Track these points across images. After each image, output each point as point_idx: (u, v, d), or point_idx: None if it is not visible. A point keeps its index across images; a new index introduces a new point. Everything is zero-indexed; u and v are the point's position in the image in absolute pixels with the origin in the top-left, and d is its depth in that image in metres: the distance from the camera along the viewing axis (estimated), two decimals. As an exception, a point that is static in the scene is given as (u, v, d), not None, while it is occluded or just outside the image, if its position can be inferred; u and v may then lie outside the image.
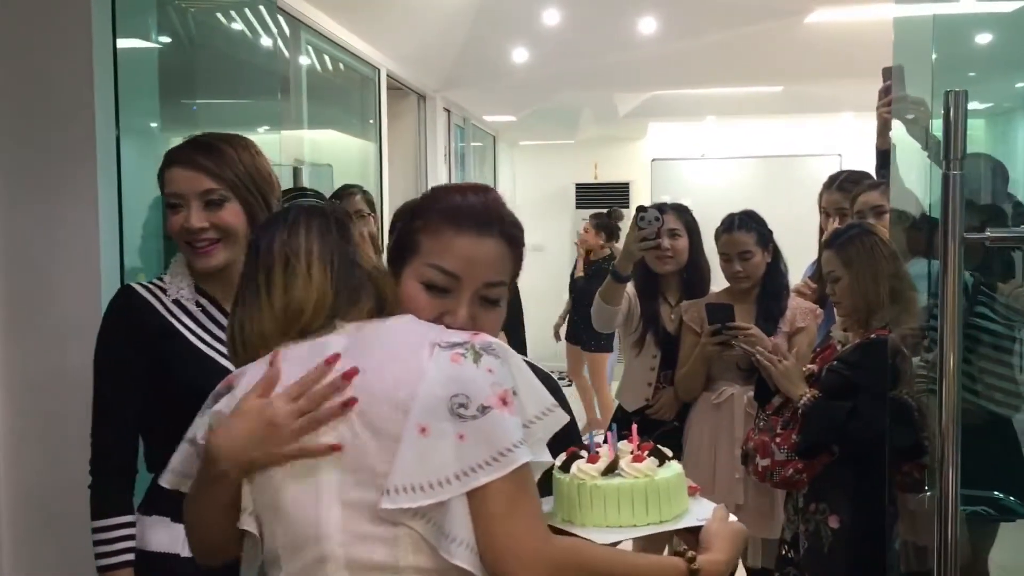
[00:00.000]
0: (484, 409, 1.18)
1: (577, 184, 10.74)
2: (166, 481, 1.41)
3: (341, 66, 5.43)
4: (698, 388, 3.27)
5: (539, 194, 10.84)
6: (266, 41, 4.21)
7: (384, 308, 1.37)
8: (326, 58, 5.25)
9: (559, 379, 2.34)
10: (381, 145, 5.60)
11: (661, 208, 3.26)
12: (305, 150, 4.45)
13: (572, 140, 10.73)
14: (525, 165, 11.28)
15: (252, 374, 1.33)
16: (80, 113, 2.38)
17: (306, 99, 4.57)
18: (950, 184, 1.45)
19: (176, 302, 1.90)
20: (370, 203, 3.63)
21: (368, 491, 1.20)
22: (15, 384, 2.39)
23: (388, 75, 5.75)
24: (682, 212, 3.44)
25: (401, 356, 1.24)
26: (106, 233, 2.42)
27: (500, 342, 1.27)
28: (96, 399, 1.87)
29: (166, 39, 3.34)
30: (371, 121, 5.61)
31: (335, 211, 1.46)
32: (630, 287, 3.44)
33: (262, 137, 4.18)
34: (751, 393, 3.08)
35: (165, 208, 1.92)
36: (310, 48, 4.87)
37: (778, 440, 2.72)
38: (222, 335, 1.91)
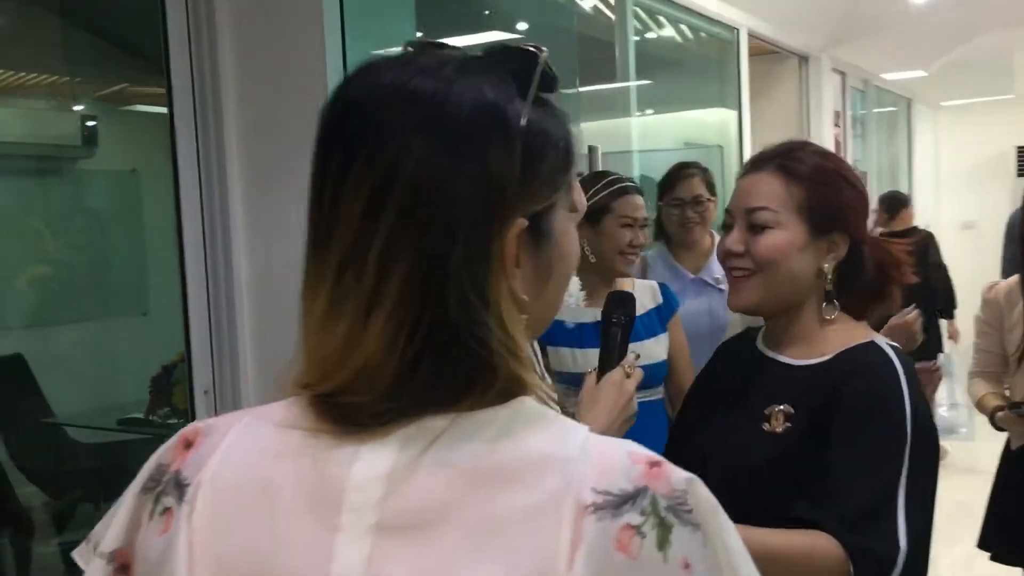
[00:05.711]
0: None
1: (1018, 147, 9.18)
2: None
3: (702, 35, 4.95)
4: None
5: (969, 163, 9.52)
6: (602, 18, 3.90)
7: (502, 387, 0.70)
8: (684, 27, 4.81)
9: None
10: (741, 115, 5.00)
11: None
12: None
13: (1011, 94, 9.14)
14: (949, 130, 9.89)
15: (227, 447, 0.75)
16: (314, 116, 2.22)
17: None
18: None
19: None
20: (711, 186, 2.96)
21: None
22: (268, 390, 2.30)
23: (757, 36, 5.14)
24: None
25: (531, 524, 0.64)
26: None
27: (699, 483, 0.67)
28: None
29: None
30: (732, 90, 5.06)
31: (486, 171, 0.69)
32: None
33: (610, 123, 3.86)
34: None
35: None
36: (661, 18, 4.46)
37: None
38: None
